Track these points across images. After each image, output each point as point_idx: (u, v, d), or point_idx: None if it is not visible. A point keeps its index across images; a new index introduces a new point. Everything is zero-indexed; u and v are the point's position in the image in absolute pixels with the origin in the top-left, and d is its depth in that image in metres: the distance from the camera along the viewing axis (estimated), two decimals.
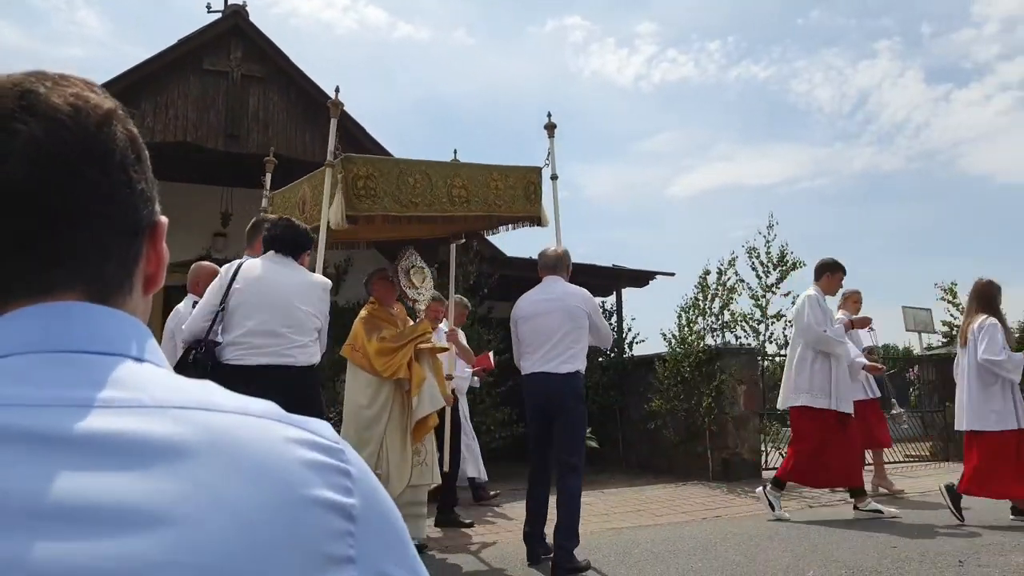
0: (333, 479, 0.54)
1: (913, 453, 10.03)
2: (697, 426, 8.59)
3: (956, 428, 5.87)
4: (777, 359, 9.67)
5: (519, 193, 5.32)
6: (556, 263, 4.84)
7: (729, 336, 9.21)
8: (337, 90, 4.99)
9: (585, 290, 4.80)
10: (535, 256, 5.27)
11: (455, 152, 5.65)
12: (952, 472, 8.43)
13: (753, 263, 9.48)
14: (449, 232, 5.88)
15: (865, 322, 6.87)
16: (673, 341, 9.16)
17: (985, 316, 5.67)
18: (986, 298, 5.77)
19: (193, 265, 4.93)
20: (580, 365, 4.57)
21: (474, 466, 6.94)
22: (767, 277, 9.45)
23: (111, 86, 5.43)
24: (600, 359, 9.78)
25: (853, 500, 6.02)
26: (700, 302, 9.15)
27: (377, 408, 4.81)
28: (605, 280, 10.86)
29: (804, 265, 9.51)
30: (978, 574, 3.91)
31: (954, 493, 5.57)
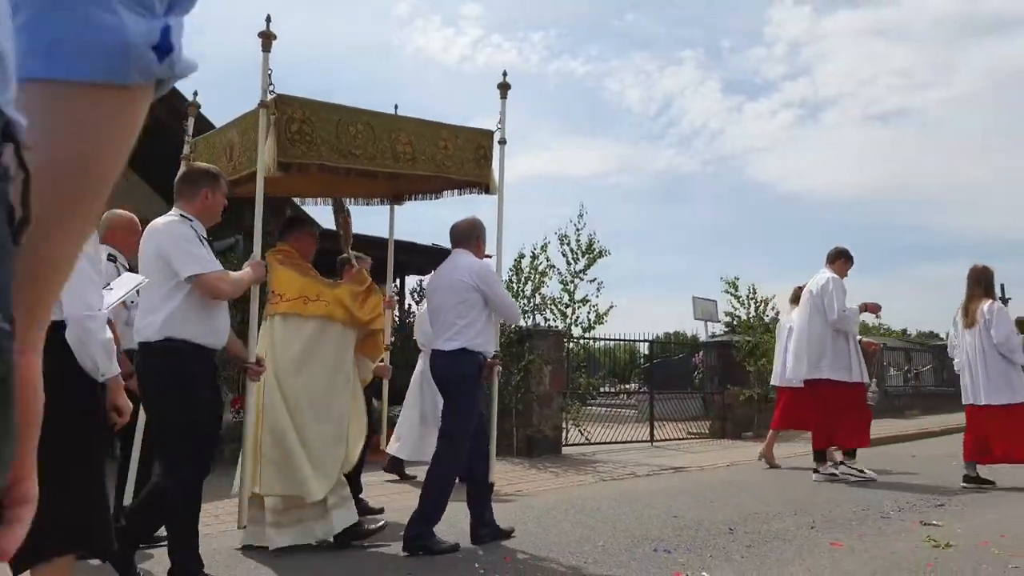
0: None
1: (694, 431, 10.94)
2: (504, 404, 8.84)
3: (965, 403, 6.50)
4: (582, 341, 10.18)
5: (468, 156, 4.94)
6: (462, 236, 4.63)
7: (539, 318, 9.57)
8: (269, 19, 4.30)
9: (482, 263, 4.62)
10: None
11: None
12: (730, 448, 9.31)
13: (564, 250, 9.88)
14: (391, 193, 5.43)
15: (877, 308, 7.31)
16: None
17: (992, 300, 6.40)
18: (986, 282, 6.47)
19: (107, 213, 4.25)
20: (468, 342, 4.32)
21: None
22: (576, 264, 9.89)
23: None
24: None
25: (844, 458, 6.87)
26: (514, 284, 9.40)
27: (348, 370, 4.34)
28: (425, 258, 10.84)
29: (609, 254, 10.06)
30: (744, 539, 4.35)
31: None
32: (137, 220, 4.39)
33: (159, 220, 3.56)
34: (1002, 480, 6.26)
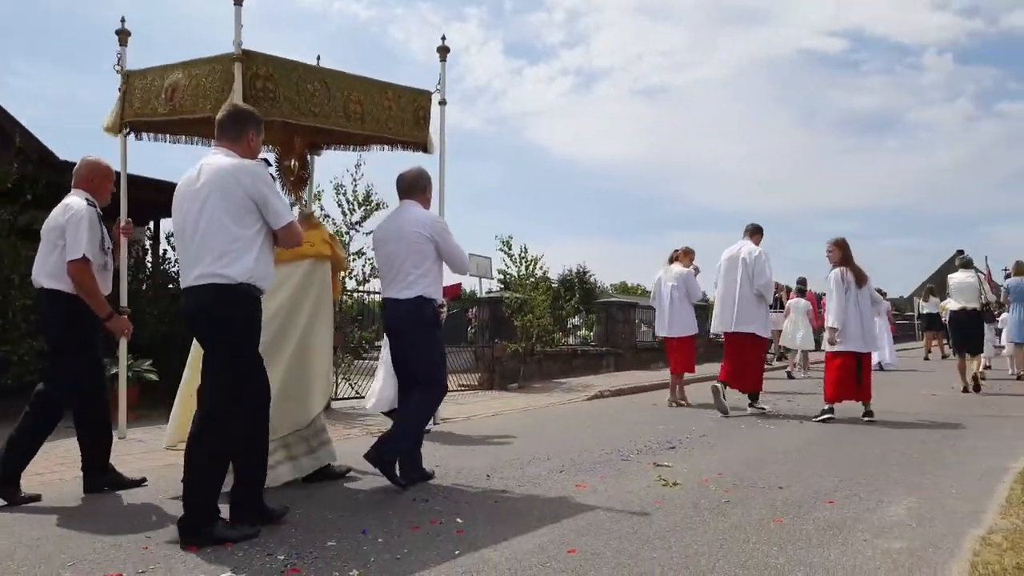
0: None
1: (465, 383, 11.29)
2: None
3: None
4: (356, 295, 10.05)
5: (408, 117, 5.19)
6: (410, 187, 4.75)
7: None
8: None
9: (433, 215, 4.84)
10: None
11: None
12: (497, 399, 9.71)
13: (339, 200, 9.64)
14: (310, 143, 5.33)
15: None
16: None
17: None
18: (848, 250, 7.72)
19: (88, 159, 4.48)
20: (424, 290, 4.56)
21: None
22: (352, 215, 9.70)
23: None
24: (170, 286, 9.12)
25: (750, 399, 8.27)
26: None
27: (330, 304, 4.75)
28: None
29: (387, 206, 9.97)
30: (500, 484, 4.60)
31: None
32: (111, 167, 4.60)
33: (238, 160, 3.53)
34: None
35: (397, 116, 5.11)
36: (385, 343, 6.74)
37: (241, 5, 4.42)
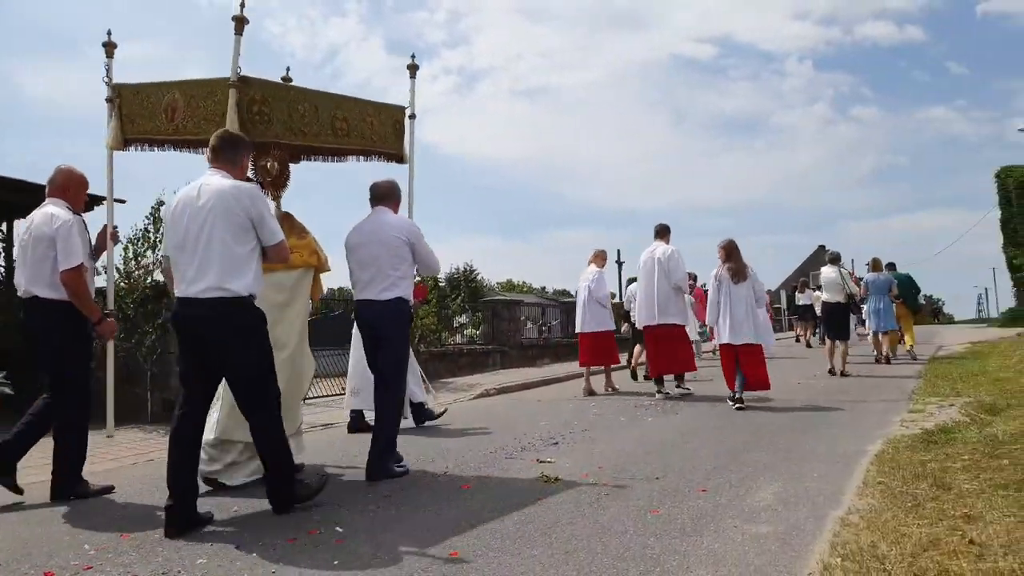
0: None
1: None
2: (137, 367, 8.09)
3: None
4: None
5: (389, 130, 5.66)
6: (384, 195, 5.14)
7: None
8: (243, 5, 4.55)
9: (409, 221, 5.23)
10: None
11: None
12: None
13: None
14: (290, 153, 5.50)
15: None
16: (117, 275, 8.42)
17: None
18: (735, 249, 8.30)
19: (63, 168, 4.72)
20: (403, 292, 4.94)
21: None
22: None
23: None
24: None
25: (677, 381, 9.30)
26: (151, 234, 8.55)
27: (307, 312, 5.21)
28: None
29: None
30: (384, 490, 4.52)
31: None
32: (86, 176, 4.83)
33: (237, 183, 3.90)
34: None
35: (379, 131, 5.57)
36: (355, 345, 7.16)
37: (241, 35, 4.60)
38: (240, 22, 4.56)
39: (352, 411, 7.36)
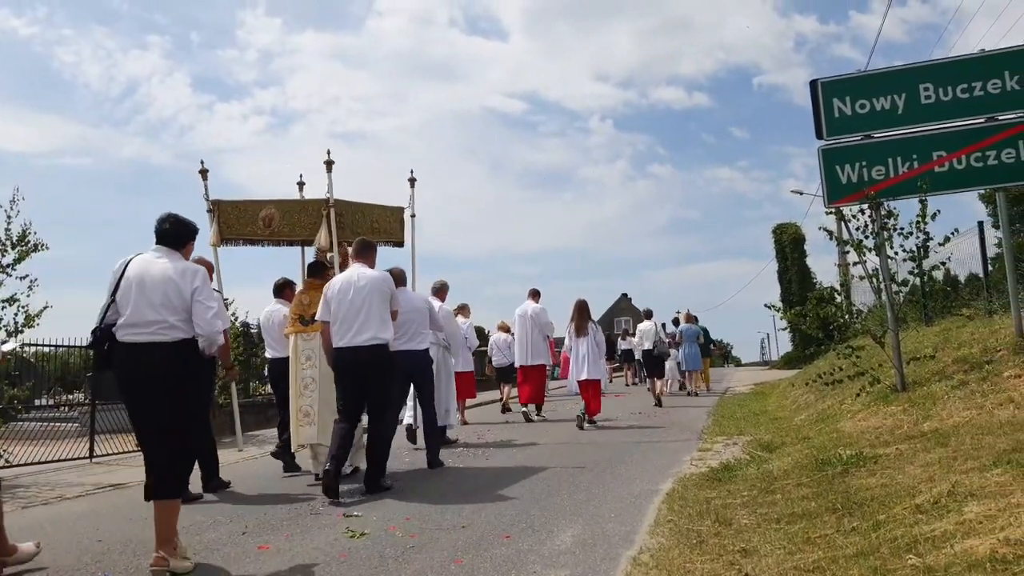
0: None
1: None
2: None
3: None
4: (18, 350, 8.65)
5: (396, 225, 9.12)
6: (400, 279, 7.08)
7: None
8: (329, 152, 8.28)
9: (425, 296, 7.96)
10: None
11: None
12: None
13: None
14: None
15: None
16: None
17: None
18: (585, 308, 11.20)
19: (200, 259, 6.26)
20: (428, 344, 7.48)
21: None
22: (4, 256, 8.44)
23: None
24: None
25: (536, 410, 12.32)
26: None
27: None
28: None
29: (47, 248, 8.79)
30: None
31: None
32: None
33: (381, 272, 6.25)
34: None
35: (393, 226, 9.07)
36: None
37: (331, 171, 8.16)
38: (329, 164, 8.11)
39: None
